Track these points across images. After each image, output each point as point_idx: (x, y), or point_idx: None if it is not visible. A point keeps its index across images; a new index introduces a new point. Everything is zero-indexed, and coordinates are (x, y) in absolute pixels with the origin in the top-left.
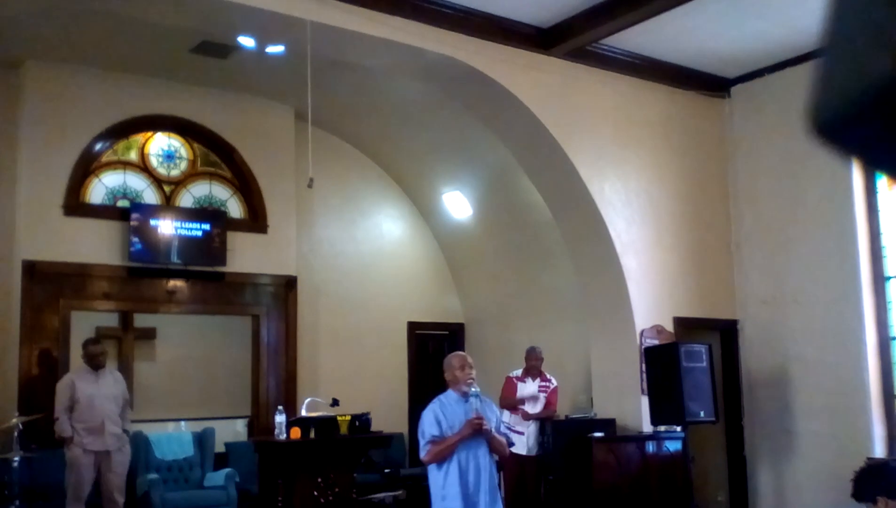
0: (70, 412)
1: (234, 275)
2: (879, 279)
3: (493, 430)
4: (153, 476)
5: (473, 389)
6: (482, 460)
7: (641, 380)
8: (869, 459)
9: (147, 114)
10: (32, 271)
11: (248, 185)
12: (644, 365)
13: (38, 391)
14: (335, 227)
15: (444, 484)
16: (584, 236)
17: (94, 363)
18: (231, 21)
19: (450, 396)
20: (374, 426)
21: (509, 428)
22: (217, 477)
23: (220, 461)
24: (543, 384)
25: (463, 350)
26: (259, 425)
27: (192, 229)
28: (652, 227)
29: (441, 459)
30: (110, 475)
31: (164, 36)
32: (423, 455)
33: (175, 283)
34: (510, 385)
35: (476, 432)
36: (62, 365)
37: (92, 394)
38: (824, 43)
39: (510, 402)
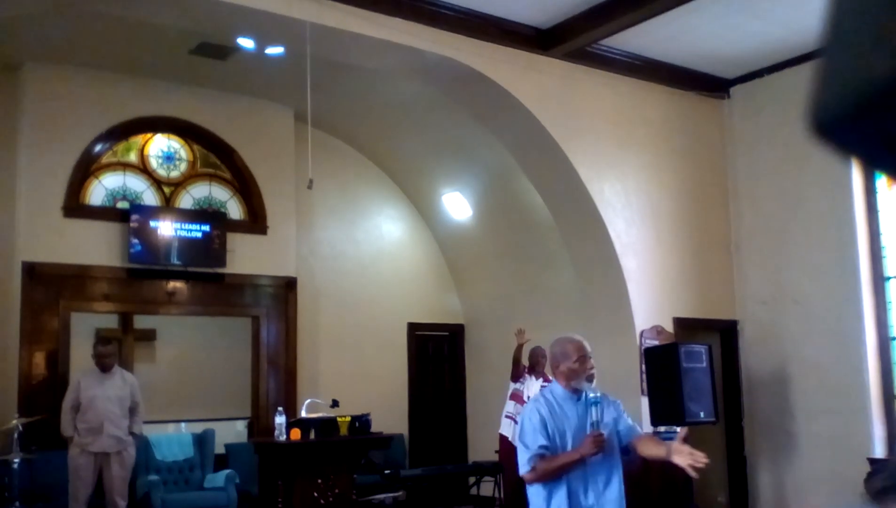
0: (75, 412)
1: (233, 276)
2: (879, 279)
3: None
4: (153, 477)
5: (593, 394)
6: (603, 484)
7: (641, 381)
8: (871, 461)
9: (147, 115)
10: (32, 272)
11: (248, 186)
12: (644, 366)
13: (38, 392)
14: (335, 228)
15: None
16: (584, 237)
17: (102, 363)
18: (230, 22)
19: (556, 391)
20: (374, 427)
21: (508, 416)
22: (217, 479)
23: (221, 462)
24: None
25: (463, 351)
26: (259, 426)
27: (191, 231)
28: (651, 227)
29: (549, 479)
30: (111, 477)
31: (163, 38)
32: (525, 471)
33: (175, 284)
34: (521, 369)
35: (599, 451)
36: (62, 367)
37: (95, 395)
38: (824, 43)
39: (515, 364)
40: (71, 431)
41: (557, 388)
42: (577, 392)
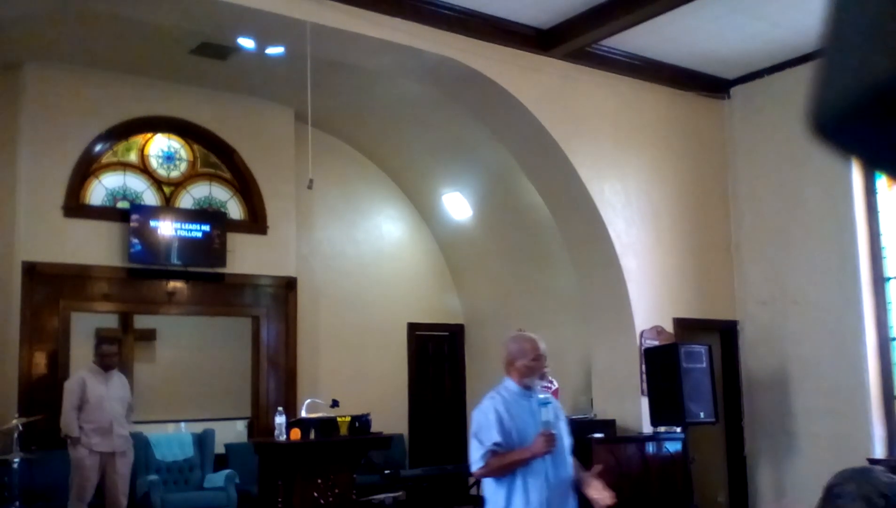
0: (78, 412)
1: (233, 276)
2: (879, 280)
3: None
4: (153, 477)
5: (543, 395)
6: (556, 480)
7: (641, 381)
8: (871, 461)
9: (147, 115)
10: (32, 272)
11: (248, 186)
12: (644, 366)
13: (37, 392)
14: (335, 228)
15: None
16: (584, 237)
17: (106, 363)
18: (231, 22)
19: (511, 388)
20: (374, 427)
21: None
22: (217, 478)
23: (221, 462)
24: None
25: (463, 351)
26: (259, 426)
27: (191, 231)
28: (652, 228)
29: (500, 475)
30: (115, 477)
31: (164, 37)
32: (477, 467)
33: (175, 284)
34: None
35: (549, 451)
36: (62, 367)
37: (102, 395)
38: (825, 43)
39: None
40: (77, 431)
41: (512, 385)
42: (529, 389)
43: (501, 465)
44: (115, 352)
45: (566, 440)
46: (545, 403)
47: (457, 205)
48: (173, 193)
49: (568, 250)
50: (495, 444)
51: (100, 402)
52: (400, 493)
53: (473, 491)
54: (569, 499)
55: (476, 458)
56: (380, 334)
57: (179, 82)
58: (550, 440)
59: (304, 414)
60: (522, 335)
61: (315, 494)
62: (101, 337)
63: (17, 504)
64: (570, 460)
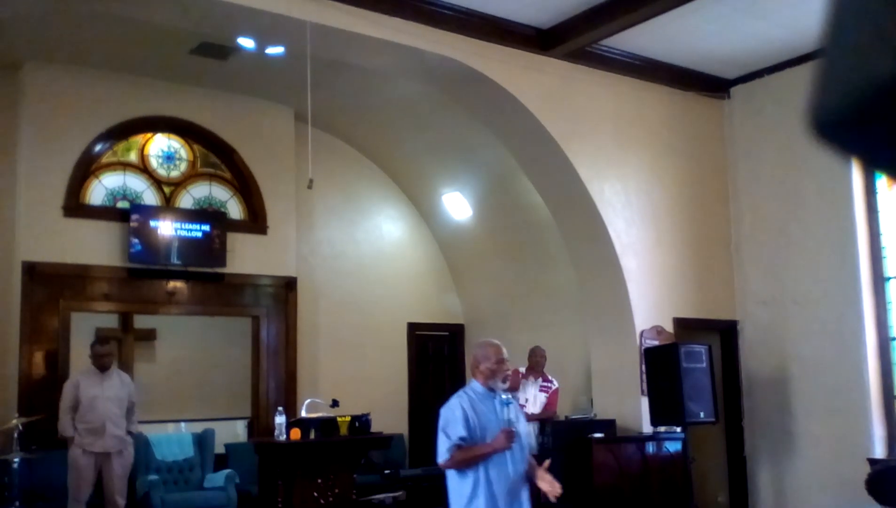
0: (74, 413)
1: (233, 276)
2: (879, 280)
3: (529, 447)
4: (153, 477)
5: (505, 396)
6: (515, 473)
7: (641, 381)
8: (871, 461)
9: (147, 115)
10: (32, 272)
11: (248, 186)
12: (644, 366)
13: (38, 392)
14: (335, 228)
15: (470, 497)
16: (584, 237)
17: (100, 363)
18: (231, 22)
19: (476, 389)
20: (374, 427)
21: None
22: (217, 478)
23: (220, 462)
24: (545, 384)
25: (463, 351)
26: (259, 426)
27: (191, 231)
28: (652, 227)
29: (463, 468)
30: (111, 477)
31: (164, 37)
32: (443, 459)
33: (175, 284)
34: (515, 376)
35: (509, 446)
36: (62, 366)
37: (95, 395)
38: (824, 43)
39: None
40: (71, 431)
41: (477, 386)
42: (493, 391)
43: (465, 458)
44: (109, 352)
45: (524, 438)
46: (507, 403)
47: (457, 205)
48: (173, 193)
49: (568, 250)
50: (461, 438)
51: (92, 403)
52: (400, 493)
53: None
54: (525, 490)
55: (443, 451)
56: (380, 334)
57: (179, 82)
58: (511, 436)
59: (304, 414)
60: (487, 341)
61: (315, 494)
62: (96, 338)
63: (17, 504)
64: (527, 455)
